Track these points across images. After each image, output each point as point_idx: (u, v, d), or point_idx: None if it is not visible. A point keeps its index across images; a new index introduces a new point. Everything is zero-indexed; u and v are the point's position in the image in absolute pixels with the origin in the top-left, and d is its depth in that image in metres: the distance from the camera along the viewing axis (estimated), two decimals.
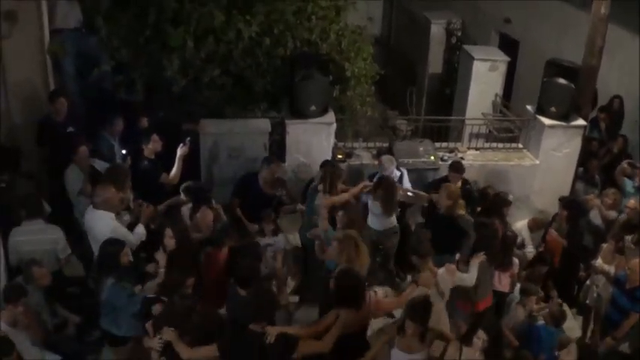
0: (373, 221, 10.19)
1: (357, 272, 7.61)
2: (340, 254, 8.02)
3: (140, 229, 8.75)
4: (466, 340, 7.16)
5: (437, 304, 7.91)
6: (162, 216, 9.42)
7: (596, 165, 12.24)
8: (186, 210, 9.53)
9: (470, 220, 9.62)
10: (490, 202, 10.42)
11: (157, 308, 7.26)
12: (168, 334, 6.89)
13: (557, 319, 8.62)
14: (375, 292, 7.82)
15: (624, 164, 11.73)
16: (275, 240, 9.74)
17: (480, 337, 6.81)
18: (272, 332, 6.66)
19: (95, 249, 8.43)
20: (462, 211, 9.75)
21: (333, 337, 7.09)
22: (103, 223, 8.44)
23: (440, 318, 8.09)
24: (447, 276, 8.23)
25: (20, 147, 10.48)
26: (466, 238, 9.09)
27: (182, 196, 9.64)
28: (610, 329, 9.09)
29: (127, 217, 8.97)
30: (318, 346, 7.08)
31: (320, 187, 9.73)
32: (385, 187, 9.90)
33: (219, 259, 8.63)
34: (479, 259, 8.51)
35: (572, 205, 10.42)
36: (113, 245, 7.93)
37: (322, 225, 9.14)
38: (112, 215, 8.52)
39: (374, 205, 10.05)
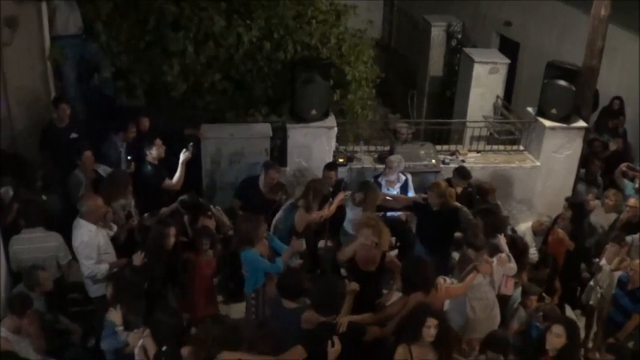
0: (350, 227, 10.07)
1: (424, 259, 8.00)
2: (377, 236, 8.15)
3: (105, 266, 8.51)
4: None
5: (491, 294, 8.49)
6: (165, 219, 9.45)
7: (598, 165, 12.22)
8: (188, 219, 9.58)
9: (469, 212, 9.76)
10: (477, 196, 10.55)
11: (185, 351, 6.85)
12: (237, 355, 6.72)
13: (547, 318, 8.59)
14: (444, 279, 7.91)
15: (623, 167, 11.71)
16: None
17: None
18: (344, 322, 6.95)
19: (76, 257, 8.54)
20: (456, 203, 9.91)
21: (395, 323, 7.33)
22: (78, 232, 8.43)
23: (494, 309, 8.56)
24: (500, 266, 8.54)
25: (22, 153, 10.49)
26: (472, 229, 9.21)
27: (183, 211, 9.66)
28: (613, 330, 9.08)
29: (114, 230, 8.99)
30: (384, 332, 7.40)
31: (300, 202, 9.68)
32: (368, 192, 9.88)
33: (204, 267, 8.66)
34: (503, 240, 8.87)
35: (577, 205, 10.42)
36: (139, 275, 7.81)
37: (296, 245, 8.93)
38: (92, 227, 8.44)
39: (355, 212, 9.96)
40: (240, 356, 6.68)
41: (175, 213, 9.63)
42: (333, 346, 6.70)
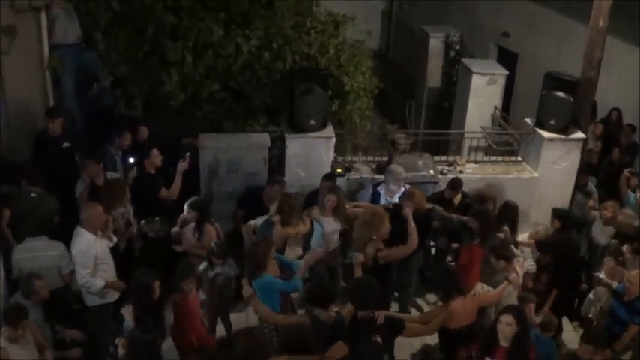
0: (320, 241, 9.94)
1: (449, 266, 8.67)
2: (367, 228, 8.59)
3: (100, 283, 8.51)
4: None
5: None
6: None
7: (585, 177, 12.21)
8: (188, 231, 9.50)
9: (439, 209, 9.98)
10: (500, 214, 10.46)
11: None
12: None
13: (547, 326, 8.66)
14: (483, 286, 8.24)
15: (626, 173, 11.64)
16: (223, 269, 9.27)
17: None
18: (382, 315, 7.27)
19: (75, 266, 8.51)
20: (428, 205, 10.02)
21: (438, 324, 7.89)
22: (77, 241, 8.43)
23: None
24: (519, 269, 8.83)
25: (19, 162, 10.50)
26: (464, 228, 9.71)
27: (186, 212, 9.53)
28: (610, 341, 9.06)
29: (114, 241, 8.99)
30: (423, 330, 8.03)
31: (275, 218, 9.55)
32: (339, 194, 9.92)
33: (189, 304, 8.34)
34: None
35: (564, 216, 10.41)
36: (152, 332, 7.40)
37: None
38: (91, 237, 8.43)
39: (327, 223, 9.86)
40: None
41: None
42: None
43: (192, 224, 9.48)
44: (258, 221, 9.73)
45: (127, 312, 7.67)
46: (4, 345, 7.36)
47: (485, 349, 7.51)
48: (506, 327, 7.23)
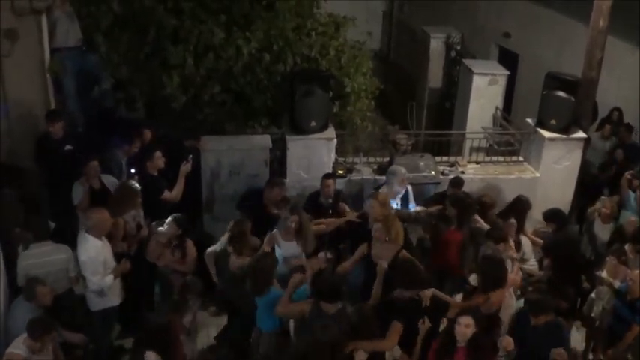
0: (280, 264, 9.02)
1: (499, 257, 8.73)
2: (388, 231, 8.83)
3: (109, 278, 8.56)
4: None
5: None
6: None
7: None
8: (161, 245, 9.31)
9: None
10: (512, 207, 10.65)
11: None
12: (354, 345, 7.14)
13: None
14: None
15: (627, 175, 11.63)
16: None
17: None
18: (427, 295, 7.73)
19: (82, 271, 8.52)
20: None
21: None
22: (84, 247, 8.46)
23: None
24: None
25: (19, 165, 10.51)
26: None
27: (169, 226, 9.26)
28: (613, 341, 9.06)
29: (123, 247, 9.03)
30: None
31: (229, 248, 8.97)
32: (301, 215, 9.36)
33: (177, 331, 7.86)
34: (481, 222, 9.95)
35: (554, 216, 10.44)
36: None
37: None
38: (98, 242, 8.48)
39: (287, 246, 9.26)
40: (356, 345, 7.16)
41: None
42: (424, 322, 7.55)
43: (168, 239, 9.29)
44: (217, 247, 9.25)
45: (152, 357, 7.27)
46: (25, 355, 7.35)
47: (443, 349, 7.60)
48: (465, 329, 7.35)
